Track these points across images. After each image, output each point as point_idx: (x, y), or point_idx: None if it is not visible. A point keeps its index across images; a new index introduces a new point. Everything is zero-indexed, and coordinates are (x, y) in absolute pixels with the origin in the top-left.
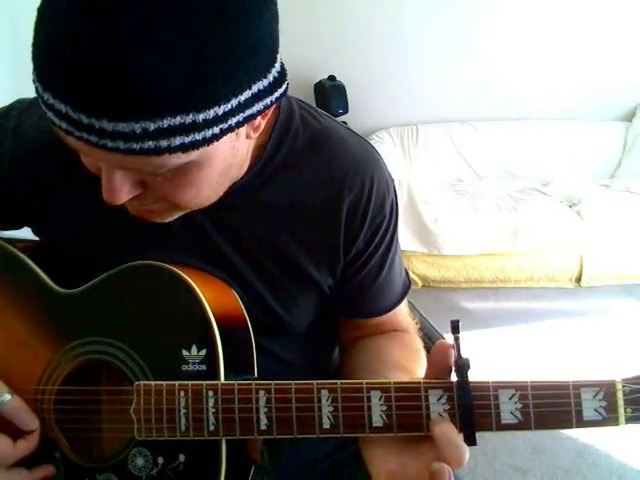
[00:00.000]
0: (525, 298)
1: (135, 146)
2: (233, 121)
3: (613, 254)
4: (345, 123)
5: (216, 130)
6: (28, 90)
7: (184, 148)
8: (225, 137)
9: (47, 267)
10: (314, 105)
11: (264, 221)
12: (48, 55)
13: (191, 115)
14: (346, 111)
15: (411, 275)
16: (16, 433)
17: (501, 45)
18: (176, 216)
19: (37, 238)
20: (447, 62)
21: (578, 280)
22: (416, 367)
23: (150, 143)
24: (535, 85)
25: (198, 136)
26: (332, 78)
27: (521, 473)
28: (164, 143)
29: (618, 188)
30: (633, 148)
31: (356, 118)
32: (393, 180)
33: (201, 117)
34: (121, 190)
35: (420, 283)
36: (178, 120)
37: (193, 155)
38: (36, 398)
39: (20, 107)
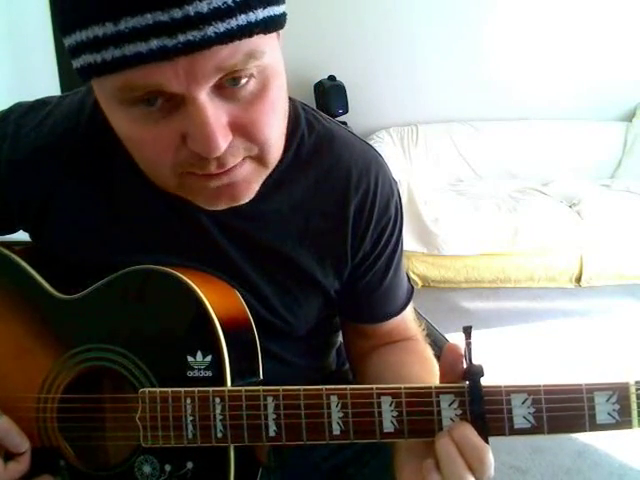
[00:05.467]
0: (525, 298)
1: (232, 23)
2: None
3: (613, 254)
4: (345, 123)
5: (281, 10)
6: (28, 91)
7: (266, 24)
8: (274, 37)
9: (45, 271)
10: (314, 105)
11: (270, 226)
12: None
13: None
14: (346, 111)
15: (411, 275)
16: (7, 454)
17: (501, 45)
18: (256, 185)
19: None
20: (447, 62)
21: (578, 280)
22: (432, 378)
23: (242, 17)
24: (535, 85)
25: (276, 10)
26: (332, 78)
27: (521, 473)
28: (252, 16)
29: (618, 188)
30: (633, 148)
31: (356, 118)
32: (396, 182)
33: None
34: (219, 129)
35: (420, 283)
36: None
37: (268, 46)
38: (38, 407)
39: (19, 111)
